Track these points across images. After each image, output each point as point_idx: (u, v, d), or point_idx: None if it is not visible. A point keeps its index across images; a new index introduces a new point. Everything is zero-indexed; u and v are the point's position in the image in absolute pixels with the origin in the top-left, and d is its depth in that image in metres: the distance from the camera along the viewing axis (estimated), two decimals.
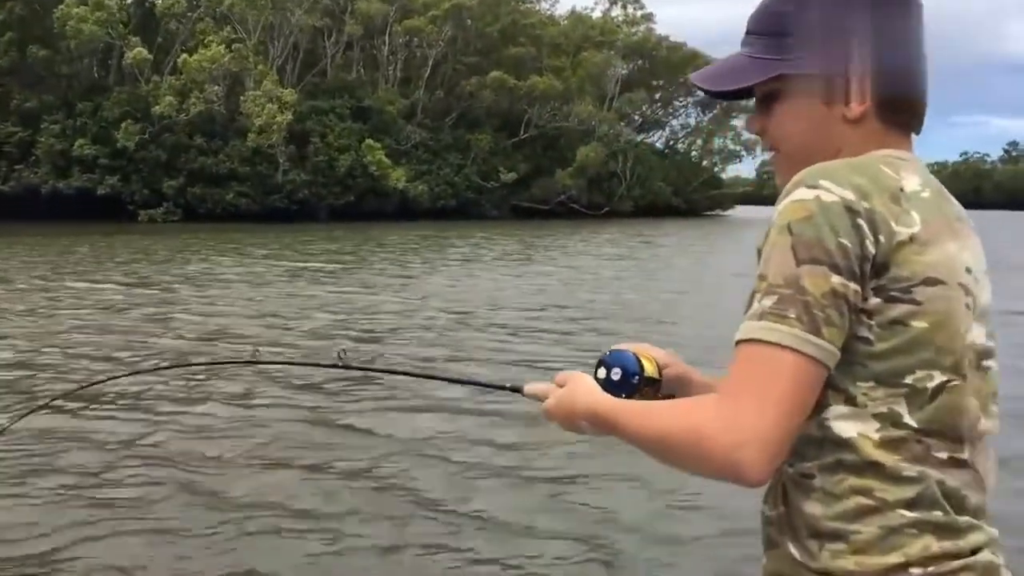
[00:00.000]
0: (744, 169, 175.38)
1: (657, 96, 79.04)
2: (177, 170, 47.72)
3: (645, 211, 68.59)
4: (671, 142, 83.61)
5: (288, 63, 53.94)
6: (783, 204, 1.15)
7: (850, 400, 1.14)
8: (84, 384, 6.13)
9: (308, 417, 7.72)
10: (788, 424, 1.10)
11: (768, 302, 1.11)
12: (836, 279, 1.10)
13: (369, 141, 52.02)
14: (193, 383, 8.87)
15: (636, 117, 75.62)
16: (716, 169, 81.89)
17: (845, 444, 1.14)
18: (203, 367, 9.64)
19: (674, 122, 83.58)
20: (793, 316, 1.09)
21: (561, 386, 1.39)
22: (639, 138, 76.01)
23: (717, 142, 79.55)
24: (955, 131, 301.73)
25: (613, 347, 1.43)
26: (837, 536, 1.14)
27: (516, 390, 1.52)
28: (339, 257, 26.84)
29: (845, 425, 1.14)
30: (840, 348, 1.12)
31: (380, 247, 31.41)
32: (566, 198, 62.55)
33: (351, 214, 50.63)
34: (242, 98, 48.17)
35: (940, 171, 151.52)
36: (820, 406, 1.14)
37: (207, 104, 47.27)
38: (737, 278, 21.48)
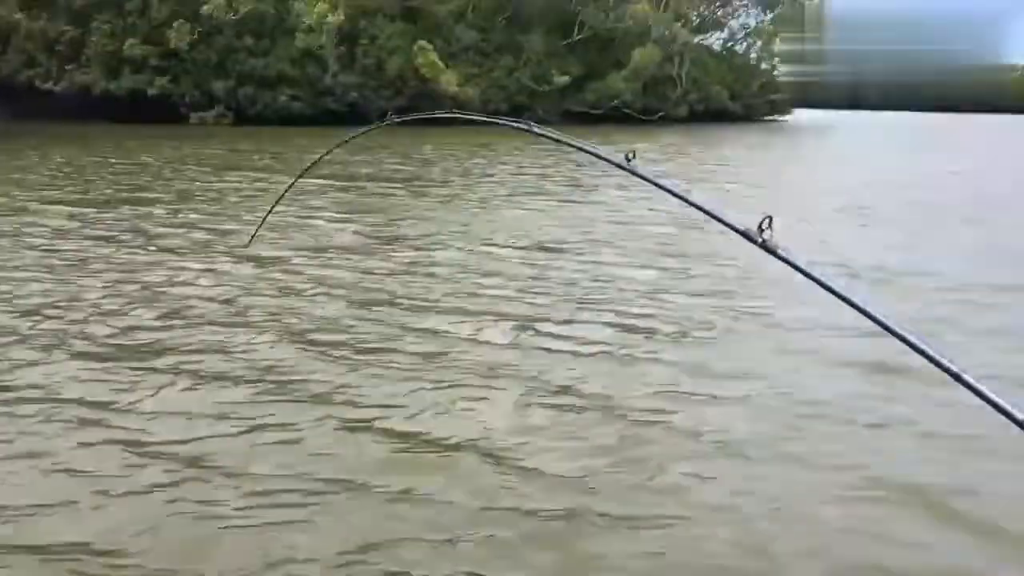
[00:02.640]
0: None
1: None
2: (227, 71, 47.35)
3: (700, 116, 66.76)
4: (729, 44, 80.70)
5: None
6: None
7: None
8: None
9: None
10: None
11: None
12: None
13: (421, 42, 50.97)
14: None
15: (694, 17, 72.88)
16: (775, 73, 78.96)
17: None
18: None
19: (733, 23, 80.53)
20: None
21: None
22: (696, 39, 73.35)
23: (777, 44, 76.48)
24: None
25: None
26: None
27: None
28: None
29: None
30: None
31: (416, 155, 30.95)
32: (619, 103, 61.02)
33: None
34: None
35: (1015, 70, 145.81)
36: None
37: (256, 3, 46.53)
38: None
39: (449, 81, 51.28)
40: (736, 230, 1.64)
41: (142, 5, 46.94)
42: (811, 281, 1.77)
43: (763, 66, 77.58)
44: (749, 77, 74.64)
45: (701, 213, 2.09)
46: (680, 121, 63.76)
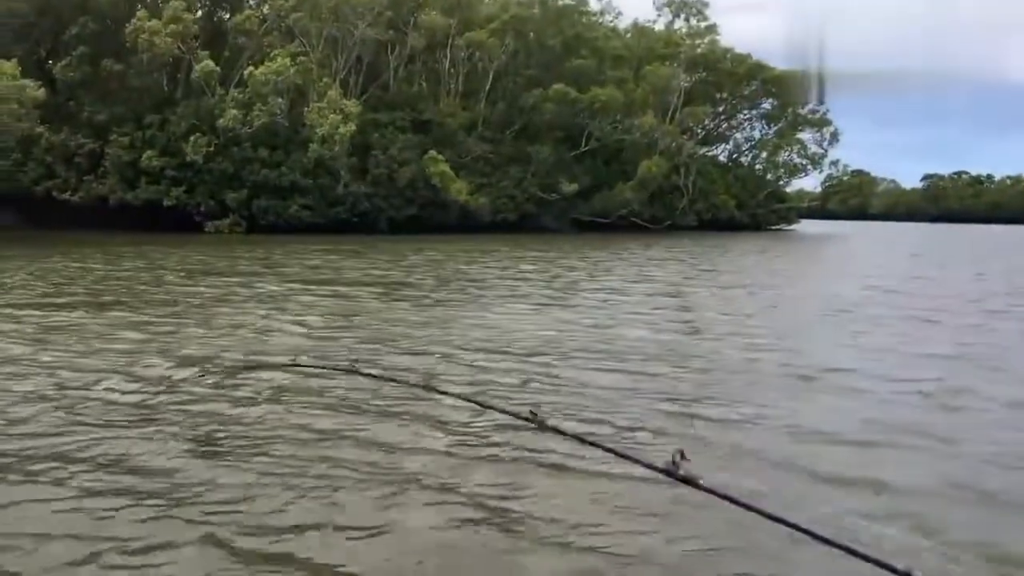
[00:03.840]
0: (808, 183, 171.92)
1: (721, 109, 77.88)
2: (241, 182, 48.23)
3: (708, 225, 67.57)
4: (734, 155, 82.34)
5: (351, 76, 54.33)
6: None
7: None
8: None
9: None
10: None
11: None
12: None
13: (432, 153, 52.08)
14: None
15: (699, 130, 74.54)
16: (781, 183, 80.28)
17: None
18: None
19: (738, 135, 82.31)
20: None
21: None
22: (702, 151, 74.87)
23: (782, 155, 77.95)
24: None
25: None
26: None
27: None
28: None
29: None
30: None
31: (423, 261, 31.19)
32: (627, 212, 61.84)
33: (411, 226, 50.74)
34: (306, 109, 48.66)
35: (1013, 185, 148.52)
36: None
37: (270, 116, 47.77)
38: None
39: (459, 190, 52.16)
40: (655, 468, 1.60)
41: (161, 119, 48.24)
42: (737, 505, 1.72)
43: (768, 177, 78.87)
44: (755, 187, 75.81)
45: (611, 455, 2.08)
46: (688, 230, 64.51)
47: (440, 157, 52.12)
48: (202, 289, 19.79)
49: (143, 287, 19.93)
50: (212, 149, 47.34)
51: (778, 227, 79.19)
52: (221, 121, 47.04)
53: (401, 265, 28.17)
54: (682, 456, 1.52)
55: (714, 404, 9.16)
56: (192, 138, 46.72)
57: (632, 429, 8.03)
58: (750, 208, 74.28)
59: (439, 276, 24.63)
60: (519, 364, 11.12)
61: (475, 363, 11.14)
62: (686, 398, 9.43)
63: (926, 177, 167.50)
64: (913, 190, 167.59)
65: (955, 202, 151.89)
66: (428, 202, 52.57)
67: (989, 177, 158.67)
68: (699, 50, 73.26)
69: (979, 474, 6.90)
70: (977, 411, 9.20)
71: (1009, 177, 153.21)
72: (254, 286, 20.51)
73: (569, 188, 58.43)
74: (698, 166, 69.06)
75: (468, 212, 53.36)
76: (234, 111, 47.02)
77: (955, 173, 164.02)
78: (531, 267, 28.72)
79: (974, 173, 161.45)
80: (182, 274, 23.48)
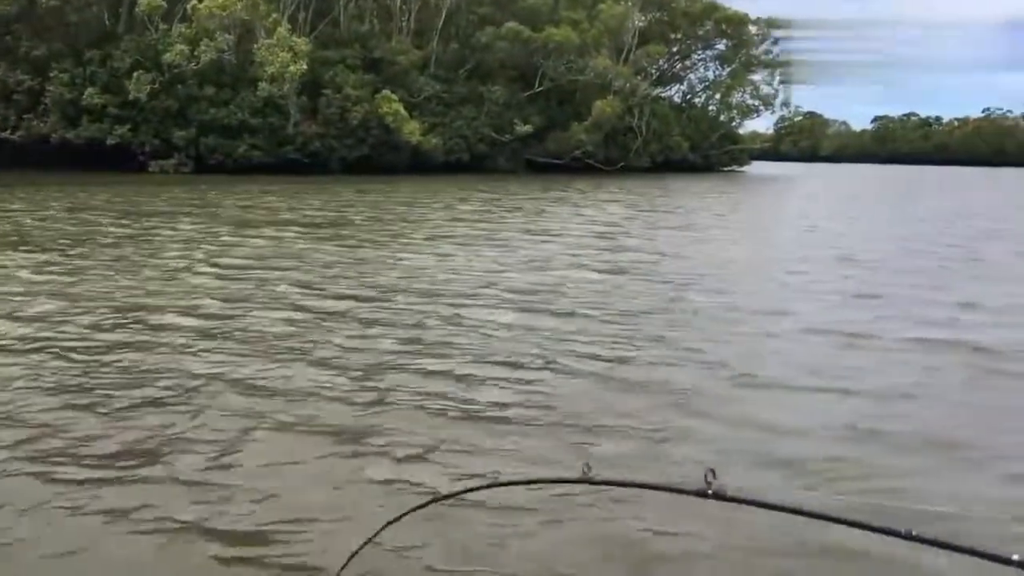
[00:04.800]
0: (761, 124, 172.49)
1: (675, 49, 77.58)
2: (188, 120, 47.13)
3: (661, 167, 67.75)
4: (688, 96, 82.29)
5: (299, 12, 53.01)
6: None
7: None
8: None
9: None
10: None
11: None
12: None
13: (386, 92, 51.23)
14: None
15: (653, 71, 74.24)
16: (734, 124, 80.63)
17: None
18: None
19: (692, 76, 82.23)
20: None
21: None
22: (656, 92, 74.68)
23: (735, 96, 78.15)
24: (976, 87, 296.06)
25: None
26: None
27: None
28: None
29: None
30: None
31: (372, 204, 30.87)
32: (581, 153, 61.69)
33: (363, 167, 50.13)
34: (255, 46, 47.46)
35: (960, 127, 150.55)
36: None
37: (218, 53, 46.54)
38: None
39: (412, 131, 51.51)
40: (687, 492, 1.65)
41: (103, 55, 46.72)
42: (768, 509, 1.78)
43: (721, 118, 79.11)
44: (708, 129, 76.05)
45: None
46: (641, 171, 64.59)
47: (394, 96, 51.30)
48: (117, 230, 19.23)
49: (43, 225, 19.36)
50: (156, 86, 46.07)
51: (731, 168, 79.76)
52: (167, 57, 45.72)
53: (340, 207, 27.84)
54: (713, 475, 1.57)
55: (626, 345, 9.20)
56: (135, 75, 45.39)
57: (537, 368, 8.09)
58: (703, 149, 74.60)
59: (377, 217, 24.40)
60: (421, 305, 11.17)
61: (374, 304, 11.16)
62: (601, 337, 9.46)
63: (876, 119, 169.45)
64: (863, 132, 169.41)
65: (904, 144, 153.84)
66: (380, 143, 51.90)
67: (938, 119, 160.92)
68: None
69: (870, 414, 6.96)
70: (880, 352, 9.26)
71: (956, 119, 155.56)
72: (176, 227, 20.16)
73: (522, 129, 58.07)
74: (652, 107, 68.94)
75: (421, 153, 52.81)
76: (180, 46, 45.69)
77: (904, 115, 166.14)
78: (470, 208, 28.55)
79: (923, 115, 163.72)
80: (108, 214, 22.81)
